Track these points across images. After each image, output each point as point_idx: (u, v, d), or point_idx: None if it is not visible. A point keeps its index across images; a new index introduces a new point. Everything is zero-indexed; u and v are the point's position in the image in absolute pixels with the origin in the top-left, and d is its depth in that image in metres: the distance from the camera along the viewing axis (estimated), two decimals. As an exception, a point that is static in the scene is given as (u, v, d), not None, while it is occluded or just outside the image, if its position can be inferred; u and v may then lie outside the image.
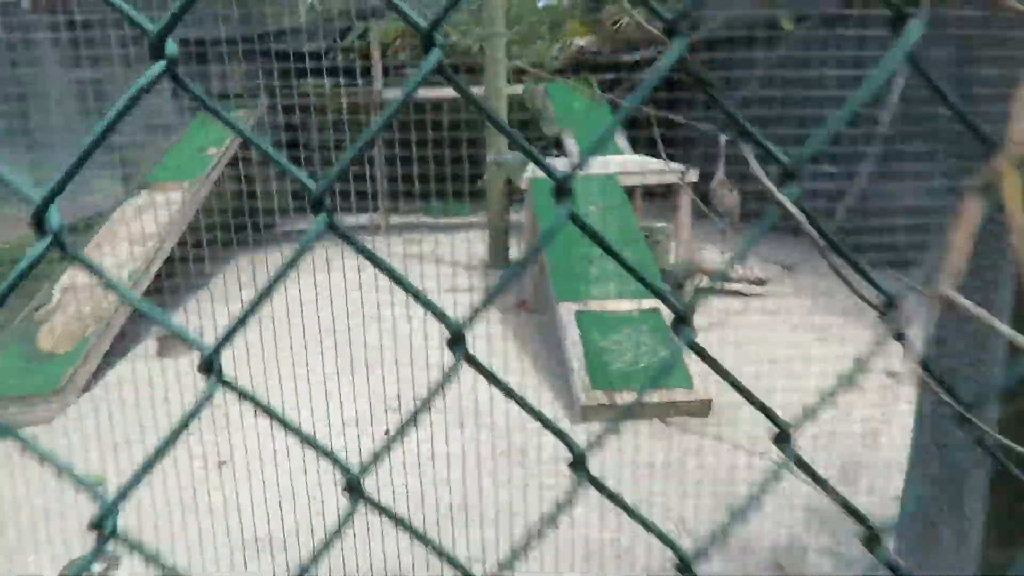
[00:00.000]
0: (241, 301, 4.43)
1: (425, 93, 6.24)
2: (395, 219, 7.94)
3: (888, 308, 0.50)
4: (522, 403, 0.49)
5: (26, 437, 0.39)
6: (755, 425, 3.53)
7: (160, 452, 0.40)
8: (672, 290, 5.61)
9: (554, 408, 3.98)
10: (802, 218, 0.48)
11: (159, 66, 0.39)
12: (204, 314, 4.21)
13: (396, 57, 8.07)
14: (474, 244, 6.78)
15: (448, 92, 6.54)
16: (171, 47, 0.40)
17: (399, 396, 3.74)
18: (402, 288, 0.45)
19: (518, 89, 6.81)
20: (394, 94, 7.89)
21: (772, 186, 0.48)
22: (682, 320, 0.46)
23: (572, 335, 4.36)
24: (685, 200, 5.80)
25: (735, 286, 5.85)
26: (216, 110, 0.42)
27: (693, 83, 0.46)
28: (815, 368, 2.58)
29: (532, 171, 5.68)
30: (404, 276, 0.46)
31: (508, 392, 0.46)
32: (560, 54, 7.96)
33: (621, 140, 6.84)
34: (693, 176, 5.65)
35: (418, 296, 0.44)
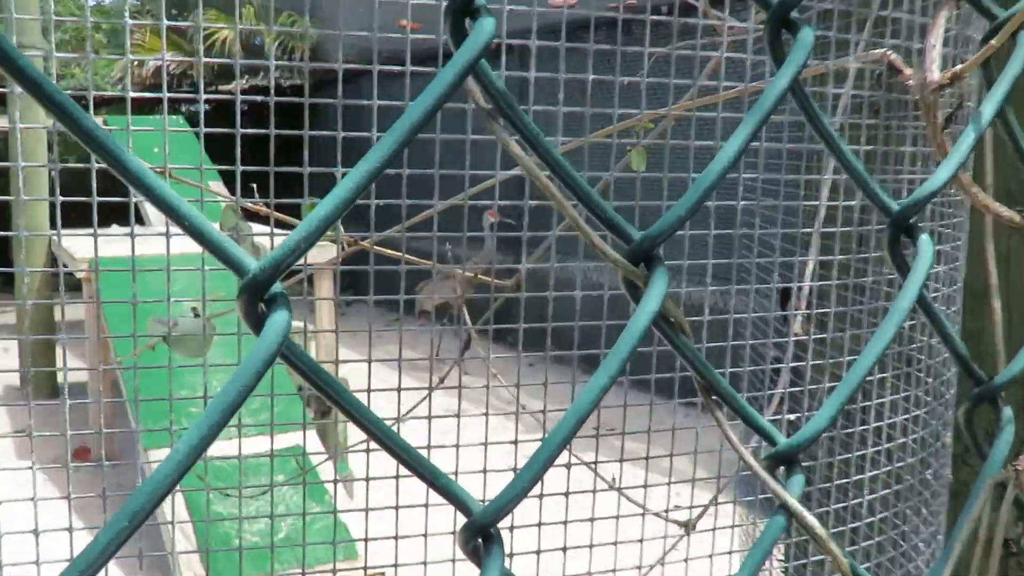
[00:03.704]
0: None
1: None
2: None
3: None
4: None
5: None
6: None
7: None
8: (315, 418, 5.47)
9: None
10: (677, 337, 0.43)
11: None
12: None
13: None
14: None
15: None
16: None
17: None
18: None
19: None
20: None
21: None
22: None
23: (173, 500, 4.02)
24: (326, 285, 5.78)
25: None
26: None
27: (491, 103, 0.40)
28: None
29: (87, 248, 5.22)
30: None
31: None
32: (126, 75, 7.59)
33: (218, 186, 6.50)
34: (330, 252, 5.67)
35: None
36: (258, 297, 0.31)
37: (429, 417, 1.69)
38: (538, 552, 1.65)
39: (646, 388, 1.74)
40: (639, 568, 1.61)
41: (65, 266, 5.68)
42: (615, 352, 0.37)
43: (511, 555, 1.55)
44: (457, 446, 1.68)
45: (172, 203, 0.31)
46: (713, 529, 1.61)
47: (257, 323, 0.31)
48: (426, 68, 1.51)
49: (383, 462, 1.69)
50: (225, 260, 0.31)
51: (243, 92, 1.70)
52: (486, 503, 0.37)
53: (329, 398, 0.33)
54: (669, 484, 1.71)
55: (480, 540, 0.36)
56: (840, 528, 1.34)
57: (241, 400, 0.30)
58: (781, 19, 0.41)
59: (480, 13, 0.33)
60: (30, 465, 1.76)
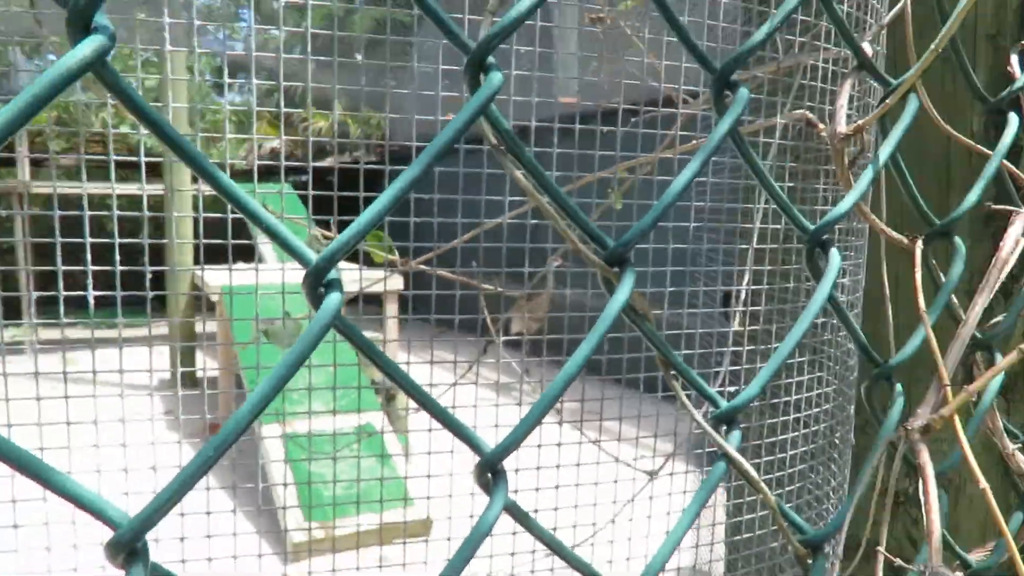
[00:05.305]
0: None
1: (92, 187, 5.54)
2: (48, 333, 6.74)
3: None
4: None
5: None
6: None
7: None
8: (385, 402, 5.49)
9: (260, 548, 3.55)
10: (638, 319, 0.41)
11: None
12: None
13: (45, 146, 7.12)
14: (153, 361, 5.98)
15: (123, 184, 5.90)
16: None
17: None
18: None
19: (207, 189, 6.42)
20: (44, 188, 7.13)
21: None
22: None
23: (279, 464, 4.01)
24: (391, 308, 5.82)
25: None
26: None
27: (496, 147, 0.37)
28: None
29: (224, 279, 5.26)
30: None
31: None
32: (247, 155, 7.68)
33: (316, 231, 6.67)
34: (398, 282, 5.69)
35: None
36: (319, 281, 0.30)
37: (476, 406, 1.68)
38: (536, 489, 1.67)
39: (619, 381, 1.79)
40: (615, 502, 1.62)
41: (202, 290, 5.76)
42: (593, 331, 0.35)
43: (515, 492, 1.54)
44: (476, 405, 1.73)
45: (255, 212, 0.30)
46: (671, 474, 1.60)
47: (317, 302, 0.30)
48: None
49: (439, 438, 1.70)
50: (293, 253, 0.30)
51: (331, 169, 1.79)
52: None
53: (373, 361, 0.32)
54: (642, 453, 1.68)
55: (490, 475, 0.35)
56: (768, 477, 1.31)
57: (300, 362, 0.28)
58: (724, 80, 0.40)
59: (491, 69, 0.32)
60: (177, 440, 1.81)
